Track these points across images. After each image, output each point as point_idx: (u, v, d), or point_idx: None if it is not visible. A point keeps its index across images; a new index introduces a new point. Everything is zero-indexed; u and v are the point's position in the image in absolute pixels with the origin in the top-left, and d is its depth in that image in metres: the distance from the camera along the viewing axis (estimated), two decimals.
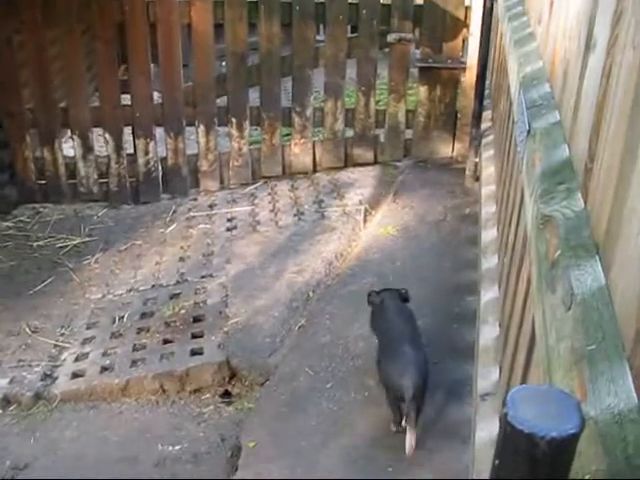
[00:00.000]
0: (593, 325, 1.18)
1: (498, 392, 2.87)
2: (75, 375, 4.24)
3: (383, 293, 3.98)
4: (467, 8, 6.08)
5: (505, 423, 0.84)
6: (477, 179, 5.69)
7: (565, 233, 1.48)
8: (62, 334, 4.64)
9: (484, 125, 5.89)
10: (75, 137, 6.23)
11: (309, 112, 6.34)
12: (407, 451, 3.31)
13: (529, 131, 2.22)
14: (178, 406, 4.06)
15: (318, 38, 6.56)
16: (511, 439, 0.84)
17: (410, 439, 3.30)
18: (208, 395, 4.12)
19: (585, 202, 1.58)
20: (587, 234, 1.46)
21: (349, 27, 6.37)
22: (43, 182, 6.37)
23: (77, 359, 4.39)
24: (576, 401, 0.85)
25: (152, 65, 6.16)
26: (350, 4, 6.10)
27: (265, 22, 6.01)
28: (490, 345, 3.25)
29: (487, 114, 6.04)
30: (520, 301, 2.42)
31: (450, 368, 3.85)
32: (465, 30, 6.17)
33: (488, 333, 3.33)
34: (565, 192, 1.66)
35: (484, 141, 5.73)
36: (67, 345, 4.53)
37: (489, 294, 3.61)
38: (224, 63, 6.35)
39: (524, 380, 2.12)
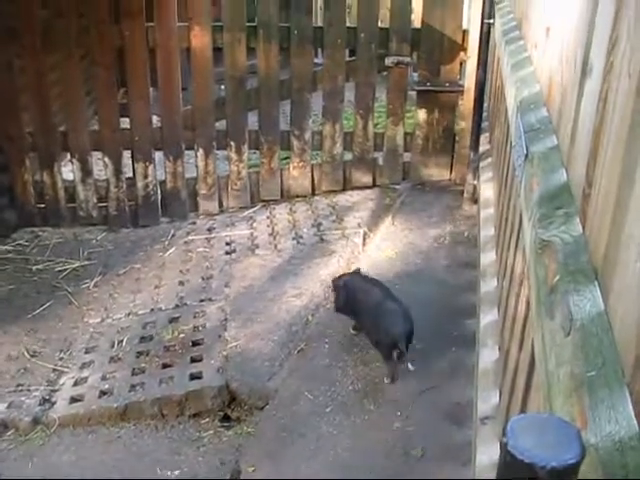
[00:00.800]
0: (593, 351, 1.18)
1: (498, 416, 2.86)
2: (74, 400, 4.22)
3: (343, 277, 4.55)
4: (464, 31, 6.12)
5: (505, 452, 0.84)
6: (476, 202, 5.71)
7: (564, 258, 1.48)
8: (61, 358, 4.63)
9: (482, 148, 5.92)
10: (74, 161, 6.25)
11: (308, 135, 6.36)
12: (391, 380, 4.03)
13: (527, 155, 2.22)
14: (177, 430, 4.04)
15: (316, 61, 6.59)
16: (511, 468, 0.84)
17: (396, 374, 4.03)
18: (207, 419, 4.09)
19: (583, 227, 1.59)
20: (585, 259, 1.46)
21: (347, 51, 6.40)
22: (42, 206, 6.39)
23: (76, 383, 4.37)
24: (576, 430, 0.85)
25: (151, 89, 6.19)
26: (348, 28, 6.15)
27: (264, 46, 6.05)
28: (490, 368, 3.24)
29: (485, 137, 6.07)
30: (520, 325, 2.42)
31: (450, 391, 3.84)
32: (462, 53, 6.21)
33: (488, 356, 3.33)
34: (563, 217, 1.66)
35: (482, 164, 5.75)
36: (66, 369, 4.51)
37: (488, 317, 3.61)
38: (223, 87, 6.39)
39: (524, 404, 2.12)
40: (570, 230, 1.59)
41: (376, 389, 3.96)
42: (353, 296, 4.32)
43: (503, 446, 0.85)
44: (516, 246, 2.84)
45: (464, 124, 6.25)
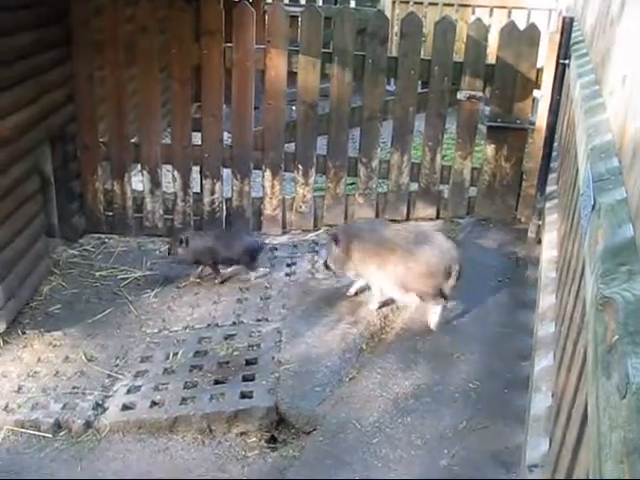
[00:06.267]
0: None
1: (547, 465, 2.82)
2: (125, 407, 4.32)
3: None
4: (539, 70, 6.08)
5: None
6: (539, 242, 5.64)
7: (624, 317, 1.46)
8: (116, 365, 4.73)
9: (549, 188, 5.85)
10: (145, 172, 6.40)
11: (375, 164, 6.38)
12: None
13: (594, 206, 2.20)
14: (223, 447, 4.08)
15: (388, 88, 6.59)
16: None
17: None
18: (254, 439, 4.13)
19: None
20: None
21: (420, 82, 6.41)
22: (110, 214, 6.56)
23: (129, 391, 4.47)
24: None
25: (224, 106, 6.31)
26: (422, 60, 6.17)
27: (337, 73, 6.11)
28: (542, 414, 3.19)
29: (553, 177, 6.00)
30: (575, 374, 2.38)
31: (499, 433, 3.80)
32: (536, 91, 6.18)
33: (540, 402, 3.28)
34: (626, 274, 1.64)
35: (548, 204, 5.68)
36: (120, 376, 4.61)
37: (543, 362, 3.56)
38: (294, 107, 6.46)
39: (574, 457, 2.09)
40: (633, 288, 1.57)
41: (425, 424, 3.93)
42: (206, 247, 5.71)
43: None
44: (577, 293, 2.81)
45: (532, 162, 6.20)
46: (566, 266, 3.61)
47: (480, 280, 5.41)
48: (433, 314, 4.83)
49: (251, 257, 5.76)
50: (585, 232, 2.27)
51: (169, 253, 5.86)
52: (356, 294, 5.28)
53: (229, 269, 5.85)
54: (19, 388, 4.50)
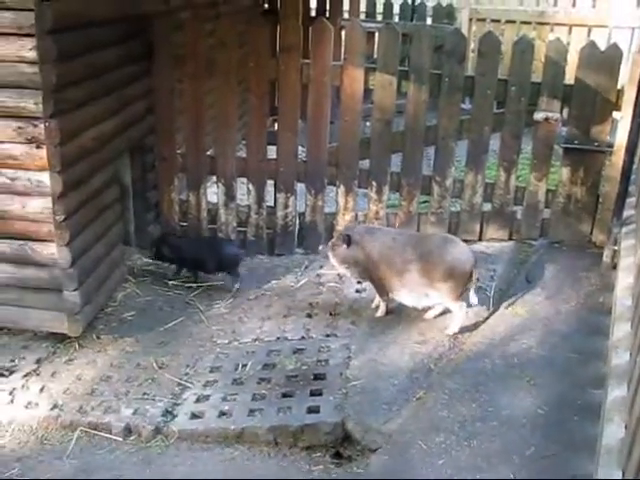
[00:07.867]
0: None
1: None
2: (194, 415, 4.40)
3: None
4: (619, 91, 5.97)
5: None
6: (614, 267, 5.52)
7: None
8: (186, 374, 4.83)
9: (626, 213, 5.74)
10: (220, 185, 6.50)
11: (449, 182, 6.35)
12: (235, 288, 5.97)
13: None
14: (288, 460, 4.11)
15: (463, 106, 6.55)
16: None
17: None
18: (319, 454, 4.15)
19: None
20: None
21: (496, 102, 6.35)
22: (185, 224, 6.69)
23: (198, 400, 4.55)
24: None
25: (299, 120, 6.37)
26: (499, 80, 6.12)
27: (414, 91, 6.10)
28: (614, 446, 3.13)
29: (631, 201, 5.89)
30: None
31: (568, 462, 3.73)
32: (615, 113, 6.07)
33: (612, 433, 3.22)
34: None
35: (625, 229, 5.58)
36: (190, 385, 4.70)
37: (616, 392, 3.50)
38: (368, 123, 6.48)
39: None
40: None
41: (491, 448, 3.90)
42: (177, 249, 6.11)
43: None
44: None
45: (610, 186, 6.07)
46: None
47: (552, 304, 5.33)
48: (456, 319, 5.05)
49: (232, 265, 6.02)
50: None
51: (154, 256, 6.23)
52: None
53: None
54: (92, 391, 4.63)
